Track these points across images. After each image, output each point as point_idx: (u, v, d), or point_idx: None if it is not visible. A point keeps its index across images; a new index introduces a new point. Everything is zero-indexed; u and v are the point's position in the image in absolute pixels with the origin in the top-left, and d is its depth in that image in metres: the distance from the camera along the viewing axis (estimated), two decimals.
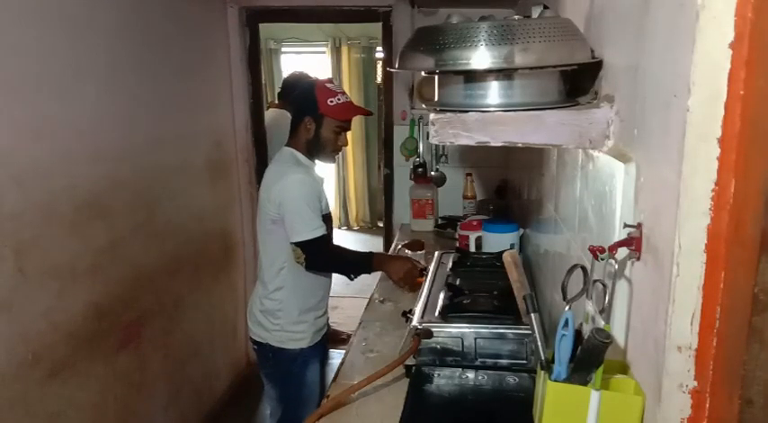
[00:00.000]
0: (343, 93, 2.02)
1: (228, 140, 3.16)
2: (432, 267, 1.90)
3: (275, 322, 2.02)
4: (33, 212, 1.75)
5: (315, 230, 1.91)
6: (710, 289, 0.65)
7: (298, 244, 1.91)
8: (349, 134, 2.13)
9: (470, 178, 2.96)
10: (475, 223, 2.31)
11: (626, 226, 0.85)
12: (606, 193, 0.98)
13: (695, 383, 0.68)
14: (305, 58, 6.05)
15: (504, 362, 1.38)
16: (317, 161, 2.06)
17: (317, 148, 2.01)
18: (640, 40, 0.85)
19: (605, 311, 0.86)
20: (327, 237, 1.99)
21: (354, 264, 2.03)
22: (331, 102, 1.96)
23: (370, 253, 2.05)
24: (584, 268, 0.89)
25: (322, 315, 2.12)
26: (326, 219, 2.01)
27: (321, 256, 1.97)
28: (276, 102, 3.86)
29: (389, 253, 2.62)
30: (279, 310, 2.02)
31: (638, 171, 0.85)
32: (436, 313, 1.49)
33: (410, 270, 1.97)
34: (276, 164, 2.04)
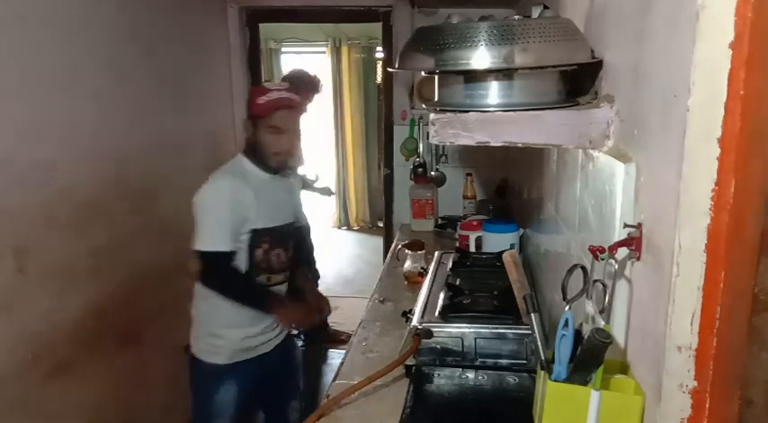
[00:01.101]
0: (281, 89, 1.86)
1: (228, 140, 3.16)
2: (432, 267, 1.90)
3: (195, 330, 1.94)
4: (33, 212, 1.75)
5: (215, 243, 1.78)
6: (710, 289, 0.65)
7: (196, 253, 1.78)
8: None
9: (470, 178, 2.96)
10: (475, 223, 2.31)
11: (626, 226, 0.85)
12: (606, 193, 0.98)
13: (695, 383, 0.68)
14: (305, 58, 6.05)
15: (504, 362, 1.38)
16: (276, 169, 1.91)
17: (258, 153, 1.86)
18: (640, 40, 0.85)
19: (605, 311, 0.86)
20: (229, 255, 1.81)
21: (250, 297, 1.90)
22: (261, 100, 1.81)
23: (269, 293, 1.92)
24: (584, 268, 0.89)
25: (255, 335, 1.94)
26: (259, 234, 1.86)
27: (213, 274, 1.82)
28: None
29: (390, 253, 2.62)
30: (198, 320, 1.93)
31: (638, 171, 0.85)
32: (436, 313, 1.48)
33: (302, 318, 2.01)
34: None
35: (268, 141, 1.83)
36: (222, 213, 1.78)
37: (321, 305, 2.15)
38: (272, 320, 1.96)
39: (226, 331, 1.90)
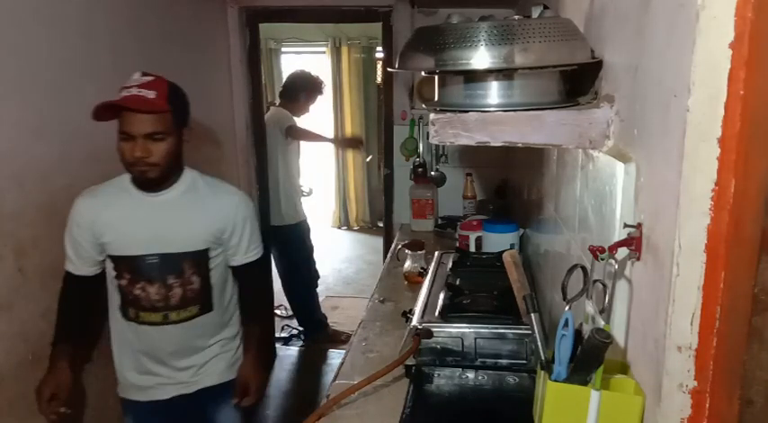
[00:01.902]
0: (133, 86, 1.56)
1: (228, 140, 3.16)
2: (432, 267, 1.90)
3: None
4: (33, 212, 1.75)
5: (66, 261, 1.71)
6: (710, 289, 0.65)
7: None
8: (155, 146, 1.56)
9: (470, 178, 2.96)
10: (475, 223, 2.31)
11: (626, 226, 0.85)
12: (606, 193, 0.98)
13: (695, 383, 0.68)
14: (305, 58, 6.06)
15: (504, 362, 1.38)
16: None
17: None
18: (640, 40, 0.85)
19: (605, 311, 0.86)
20: (74, 276, 1.72)
21: (57, 327, 1.71)
22: (106, 102, 1.55)
23: (58, 340, 1.69)
24: (584, 268, 0.89)
25: (141, 373, 1.76)
26: (118, 262, 1.67)
27: (59, 294, 1.73)
28: (276, 101, 3.87)
29: (390, 253, 2.62)
30: None
31: (638, 171, 0.85)
32: (436, 313, 1.48)
33: (39, 389, 1.62)
34: None
35: (120, 150, 1.58)
36: (72, 232, 1.68)
37: (246, 386, 1.77)
38: (175, 361, 1.76)
39: (116, 357, 1.79)
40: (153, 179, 1.62)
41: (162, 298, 1.68)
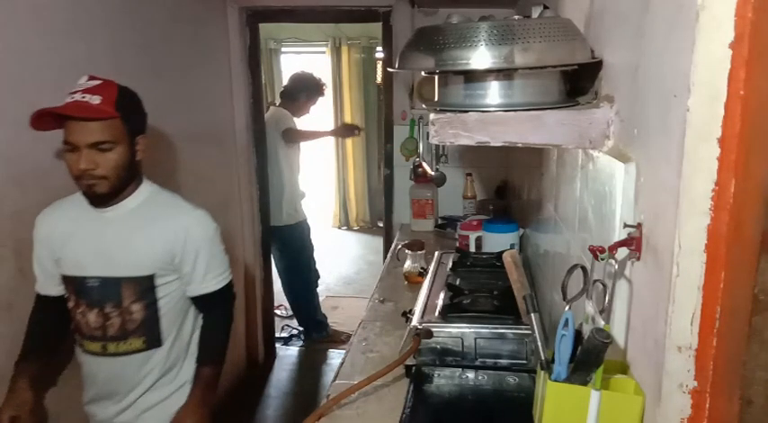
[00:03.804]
0: (77, 91, 1.42)
1: (228, 140, 3.16)
2: (432, 267, 1.90)
3: None
4: (33, 212, 1.75)
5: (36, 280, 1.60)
6: (710, 289, 0.65)
7: None
8: (106, 157, 1.42)
9: (470, 178, 2.96)
10: (475, 223, 2.31)
11: (626, 226, 0.85)
12: (606, 193, 0.98)
13: (695, 383, 0.68)
14: (305, 58, 6.06)
15: (504, 362, 1.38)
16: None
17: None
18: (640, 40, 0.85)
19: (605, 311, 0.86)
20: (41, 297, 1.61)
21: (22, 347, 1.59)
22: (46, 109, 1.41)
23: (21, 360, 1.57)
24: (584, 268, 0.89)
25: (87, 402, 1.62)
26: (66, 282, 1.55)
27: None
28: (276, 101, 3.87)
29: (390, 253, 2.62)
30: None
31: (638, 171, 0.85)
32: (436, 313, 1.49)
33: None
34: None
35: (66, 162, 1.44)
36: (35, 248, 1.58)
37: None
38: (115, 399, 1.58)
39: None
40: (101, 195, 1.46)
41: (99, 326, 1.51)
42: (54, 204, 1.60)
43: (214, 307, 1.65)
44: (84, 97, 1.40)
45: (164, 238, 1.52)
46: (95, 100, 1.40)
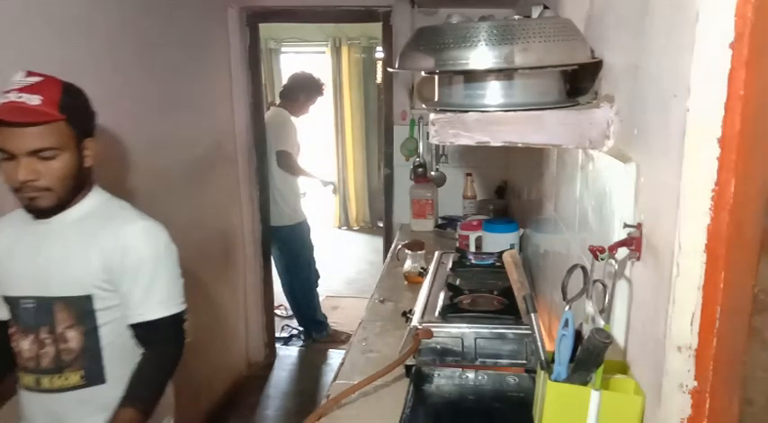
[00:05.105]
0: (12, 90, 1.22)
1: (228, 140, 3.16)
2: (432, 267, 1.90)
3: None
4: None
5: None
6: (710, 289, 0.65)
7: None
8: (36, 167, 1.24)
9: (470, 178, 2.96)
10: (475, 223, 2.31)
11: (626, 226, 0.85)
12: (606, 193, 0.98)
13: (695, 383, 0.68)
14: (305, 58, 6.06)
15: (504, 362, 1.38)
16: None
17: None
18: (640, 40, 0.85)
19: (605, 311, 0.86)
20: None
21: None
22: None
23: None
24: (584, 268, 0.90)
25: None
26: (8, 303, 1.35)
27: None
28: (276, 102, 3.87)
29: (390, 253, 2.62)
30: None
31: (638, 171, 0.85)
32: (436, 313, 1.48)
33: None
34: None
35: (2, 173, 1.26)
36: None
37: None
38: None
39: None
40: (46, 209, 1.28)
41: (33, 356, 1.31)
42: (5, 215, 1.41)
43: (155, 341, 1.37)
44: (20, 97, 1.20)
45: (102, 252, 1.31)
46: (34, 100, 1.21)
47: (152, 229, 1.38)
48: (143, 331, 1.36)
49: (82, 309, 1.31)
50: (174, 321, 1.38)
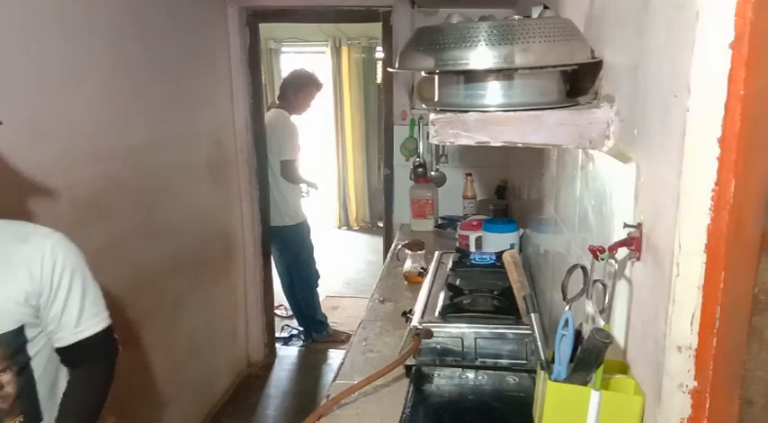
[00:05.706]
0: None
1: (228, 140, 3.16)
2: (432, 267, 1.90)
3: None
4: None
5: None
6: (710, 289, 0.65)
7: None
8: None
9: (470, 178, 2.96)
10: (475, 223, 2.31)
11: (626, 226, 0.85)
12: (606, 193, 0.98)
13: (695, 383, 0.68)
14: (305, 58, 6.06)
15: (504, 362, 1.38)
16: None
17: None
18: (640, 40, 0.85)
19: (605, 311, 0.86)
20: None
21: None
22: None
23: None
24: (584, 268, 0.89)
25: None
26: None
27: None
28: (276, 102, 3.87)
29: (390, 253, 2.62)
30: None
31: (638, 171, 0.85)
32: (436, 313, 1.48)
33: None
34: None
35: None
36: None
37: None
38: None
39: None
40: None
41: None
42: None
43: (88, 360, 1.26)
44: None
45: (28, 272, 1.15)
46: None
47: (65, 241, 1.24)
48: (75, 351, 1.23)
49: (14, 345, 1.15)
50: (108, 334, 1.29)
